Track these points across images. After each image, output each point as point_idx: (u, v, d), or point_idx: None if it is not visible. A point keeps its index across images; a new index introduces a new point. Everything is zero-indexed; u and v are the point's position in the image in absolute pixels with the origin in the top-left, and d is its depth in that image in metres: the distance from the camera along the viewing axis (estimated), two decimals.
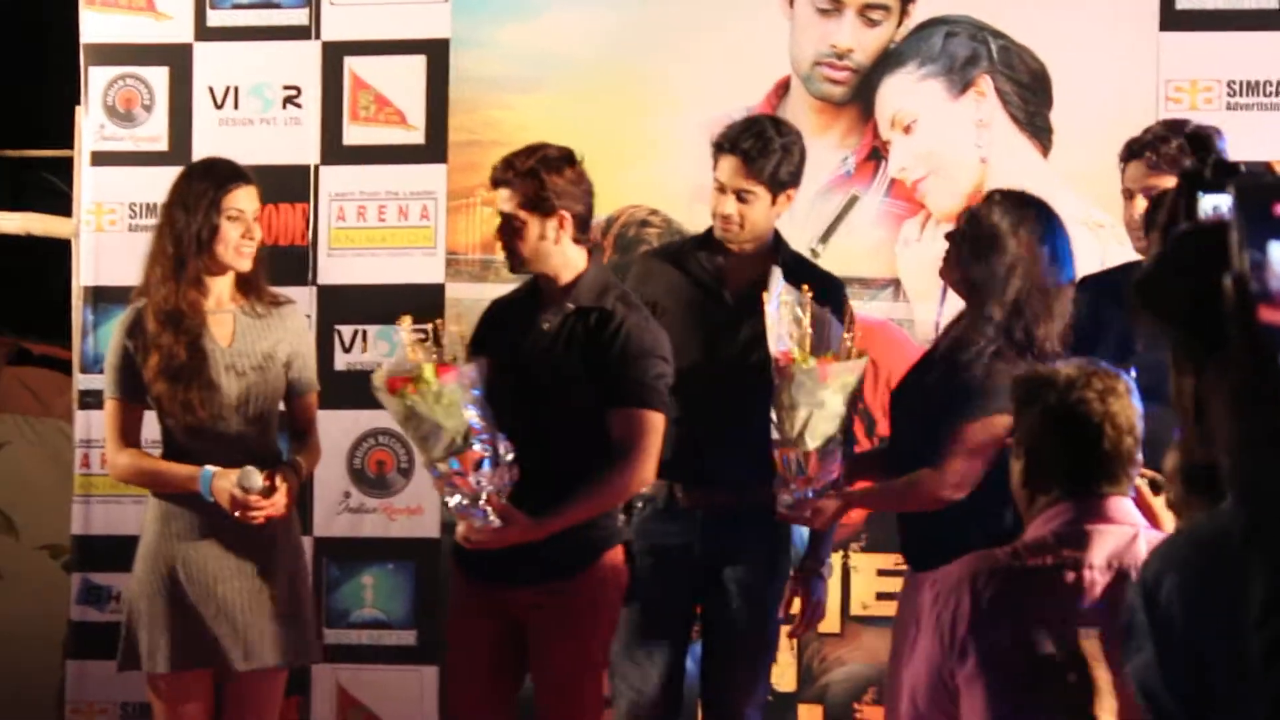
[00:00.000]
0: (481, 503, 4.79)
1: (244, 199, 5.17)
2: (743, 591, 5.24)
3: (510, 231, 5.04)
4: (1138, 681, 2.25)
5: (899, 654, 4.87)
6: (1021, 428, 3.67)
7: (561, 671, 5.07)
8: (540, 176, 5.03)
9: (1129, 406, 3.58)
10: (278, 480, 5.09)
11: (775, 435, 4.94)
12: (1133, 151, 5.05)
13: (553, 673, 5.08)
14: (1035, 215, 4.97)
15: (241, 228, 5.15)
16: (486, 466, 4.76)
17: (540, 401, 5.02)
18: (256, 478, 5.03)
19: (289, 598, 5.20)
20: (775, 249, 5.32)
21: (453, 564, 5.23)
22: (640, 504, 5.33)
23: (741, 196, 5.18)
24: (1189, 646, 2.21)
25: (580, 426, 5.00)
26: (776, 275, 4.98)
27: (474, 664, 5.14)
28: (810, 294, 4.90)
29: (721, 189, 5.20)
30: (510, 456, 4.78)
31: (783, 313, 4.90)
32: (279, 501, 5.07)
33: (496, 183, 5.07)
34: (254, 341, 5.20)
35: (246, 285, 5.25)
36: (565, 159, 5.08)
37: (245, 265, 5.20)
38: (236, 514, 5.02)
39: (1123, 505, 3.57)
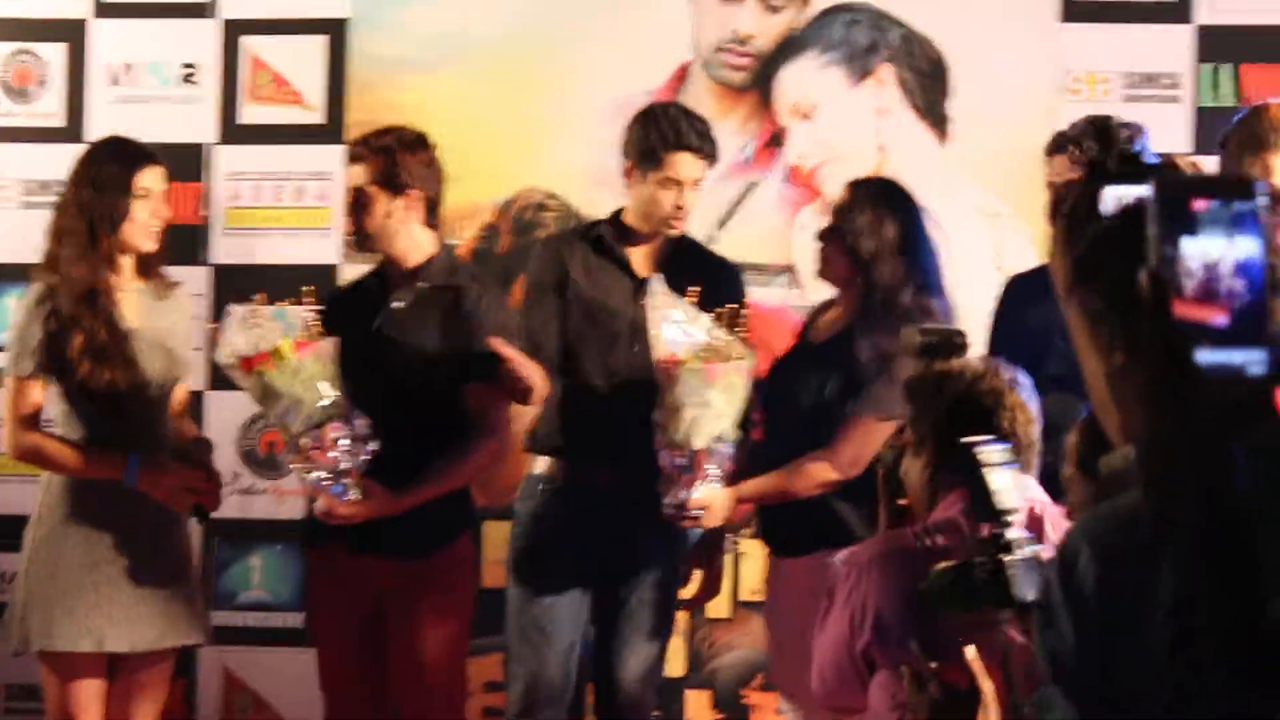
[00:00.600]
0: (341, 477, 4.80)
1: (152, 179, 5.11)
2: (645, 571, 5.25)
3: (359, 207, 5.06)
4: (1048, 654, 2.24)
5: (776, 638, 4.98)
6: (926, 423, 3.68)
7: (419, 656, 5.08)
8: (394, 154, 5.05)
9: (1031, 399, 3.62)
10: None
11: (659, 438, 4.97)
12: (1056, 146, 5.08)
13: (411, 657, 5.09)
14: (901, 204, 5.07)
15: (150, 207, 5.10)
16: (345, 442, 4.77)
17: (397, 380, 5.03)
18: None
19: (179, 578, 5.16)
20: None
21: (310, 541, 5.23)
22: (540, 484, 5.32)
23: (696, 185, 5.25)
24: (1102, 621, 2.20)
25: (438, 404, 5.02)
26: (657, 280, 5.01)
27: (343, 639, 5.13)
28: (693, 298, 4.94)
29: (677, 183, 5.20)
30: (367, 431, 4.80)
31: (666, 316, 4.94)
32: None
33: (352, 158, 5.11)
34: (156, 321, 5.12)
35: (147, 265, 5.19)
36: (420, 140, 5.11)
37: (152, 245, 5.13)
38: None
39: (1029, 484, 3.57)
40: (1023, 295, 5.12)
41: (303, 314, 4.91)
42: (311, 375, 4.75)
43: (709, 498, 4.97)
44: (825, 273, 5.11)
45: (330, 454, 4.78)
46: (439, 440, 4.98)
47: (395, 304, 5.09)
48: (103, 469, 5.01)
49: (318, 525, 5.03)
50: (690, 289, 4.94)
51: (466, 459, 5.01)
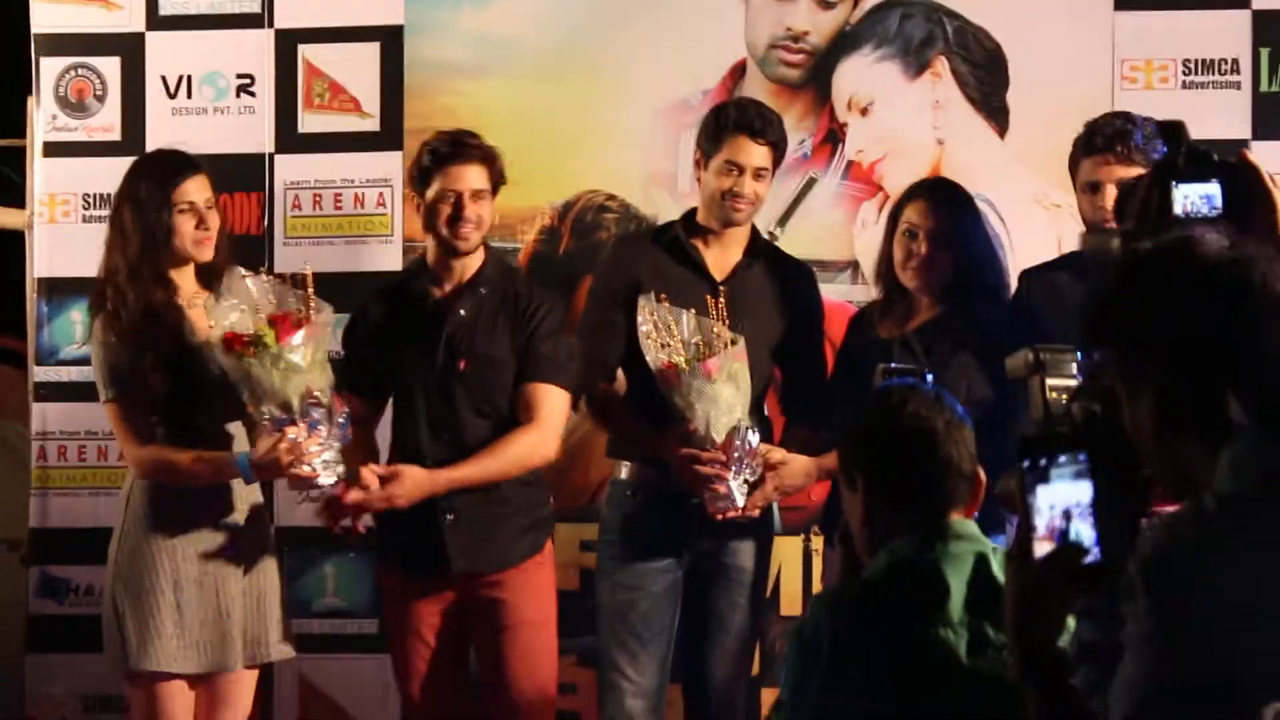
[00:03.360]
0: (324, 468, 4.93)
1: (193, 190, 5.12)
2: (736, 575, 5.30)
3: (477, 210, 5.15)
4: (1148, 669, 2.30)
5: None
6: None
7: (509, 669, 5.19)
8: (496, 158, 5.20)
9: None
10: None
11: (678, 442, 5.11)
12: (1095, 146, 5.11)
13: (500, 671, 5.18)
14: (972, 205, 5.34)
15: (194, 219, 5.10)
16: (322, 428, 4.90)
17: (470, 386, 5.15)
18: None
19: (267, 592, 5.19)
20: (753, 230, 5.44)
21: (383, 555, 5.34)
22: (626, 490, 5.35)
23: (759, 175, 5.27)
24: (1203, 633, 2.26)
25: (505, 406, 5.18)
26: (645, 297, 5.12)
27: (423, 652, 5.22)
28: (666, 301, 5.05)
29: (739, 170, 5.25)
30: (343, 419, 4.94)
31: (654, 324, 5.01)
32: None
33: (464, 159, 5.14)
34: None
35: (211, 276, 5.19)
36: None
37: (205, 255, 5.15)
38: (290, 476, 4.98)
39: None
40: (1042, 286, 5.21)
41: (294, 296, 4.94)
42: (289, 367, 4.82)
43: (788, 472, 5.08)
44: (923, 274, 5.16)
45: (310, 445, 4.90)
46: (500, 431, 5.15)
47: (460, 311, 5.17)
48: (219, 471, 5.04)
49: (392, 539, 5.11)
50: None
51: (511, 451, 5.10)
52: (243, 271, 5.01)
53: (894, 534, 3.42)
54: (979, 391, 5.06)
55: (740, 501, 5.10)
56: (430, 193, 5.17)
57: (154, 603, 5.04)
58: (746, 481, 5.11)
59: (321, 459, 4.95)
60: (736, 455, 5.06)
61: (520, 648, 5.19)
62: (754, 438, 5.09)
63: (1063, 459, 2.60)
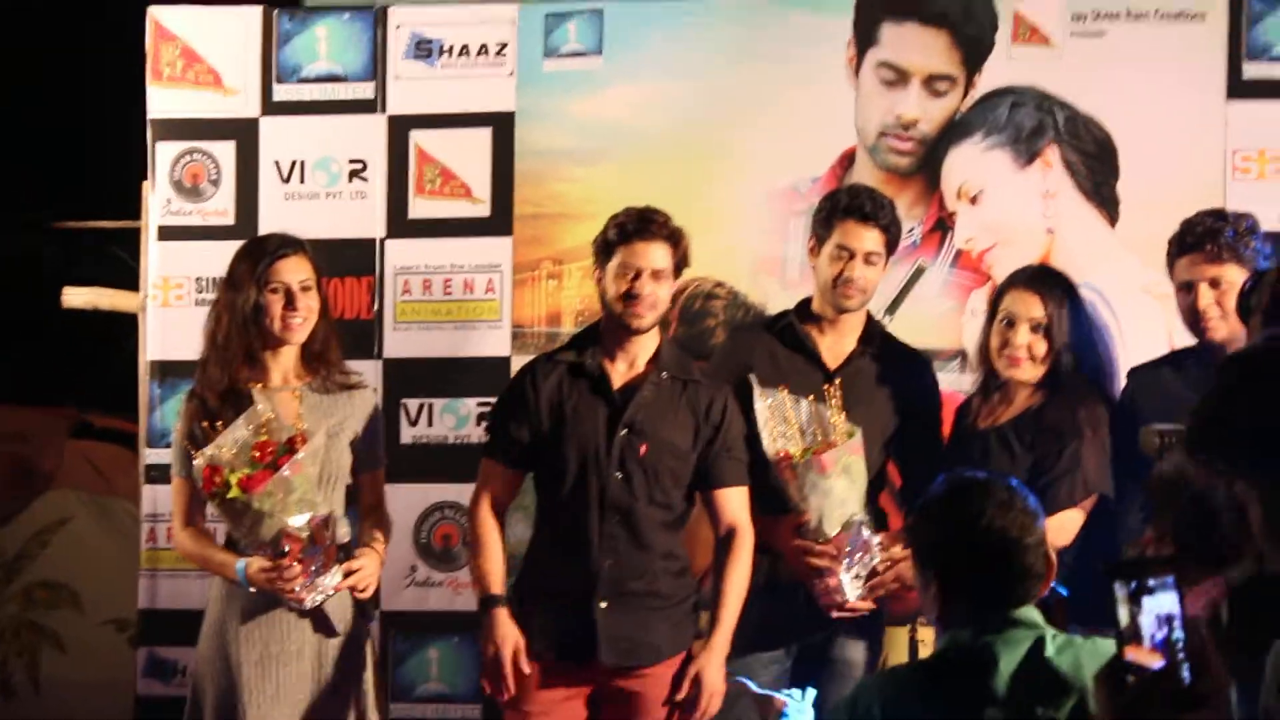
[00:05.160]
0: (302, 589, 4.98)
1: (287, 270, 5.12)
2: (843, 670, 5.25)
3: (654, 290, 5.09)
4: None
5: None
6: (1166, 520, 3.67)
7: None
8: (682, 239, 5.14)
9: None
10: (365, 556, 5.11)
11: (793, 535, 5.10)
12: (1186, 245, 5.12)
13: None
14: (1073, 290, 5.36)
15: (283, 299, 5.11)
16: (315, 550, 4.95)
17: (650, 470, 5.09)
18: (343, 525, 5.08)
19: (346, 677, 5.16)
20: (868, 318, 5.42)
21: (528, 643, 5.19)
22: None
23: (870, 260, 5.25)
24: None
25: (680, 499, 5.14)
26: (753, 380, 5.10)
27: None
28: (785, 391, 5.01)
29: (850, 255, 5.24)
30: (330, 540, 4.98)
31: (771, 413, 4.98)
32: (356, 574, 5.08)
33: (648, 236, 5.08)
34: (320, 419, 5.09)
35: (313, 360, 5.21)
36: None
37: (295, 337, 5.14)
38: (278, 589, 4.98)
39: None
40: (1148, 385, 5.18)
41: (252, 444, 4.92)
42: (257, 513, 4.85)
43: (908, 566, 5.01)
44: (1019, 363, 5.15)
45: (292, 573, 4.93)
46: (667, 523, 5.10)
47: (645, 393, 5.12)
48: (222, 570, 5.06)
49: (533, 625, 5.08)
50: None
51: (747, 564, 5.08)
52: (257, 396, 5.01)
53: (960, 623, 3.46)
54: (1096, 484, 5.05)
55: (851, 595, 5.07)
56: (611, 267, 5.11)
57: (227, 682, 5.06)
58: (858, 576, 5.07)
59: (304, 584, 4.95)
60: (849, 549, 5.03)
61: None
62: (867, 532, 5.06)
63: (1163, 576, 2.62)
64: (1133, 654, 2.62)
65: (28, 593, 7.97)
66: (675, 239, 5.10)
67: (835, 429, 5.03)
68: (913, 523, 3.65)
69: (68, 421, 8.45)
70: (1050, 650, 3.35)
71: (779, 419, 5.04)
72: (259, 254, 5.16)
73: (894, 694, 3.38)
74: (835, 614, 5.11)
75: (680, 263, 5.13)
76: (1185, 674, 2.61)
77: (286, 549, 4.88)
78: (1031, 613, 3.44)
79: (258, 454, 4.86)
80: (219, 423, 4.96)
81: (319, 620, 5.08)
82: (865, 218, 5.24)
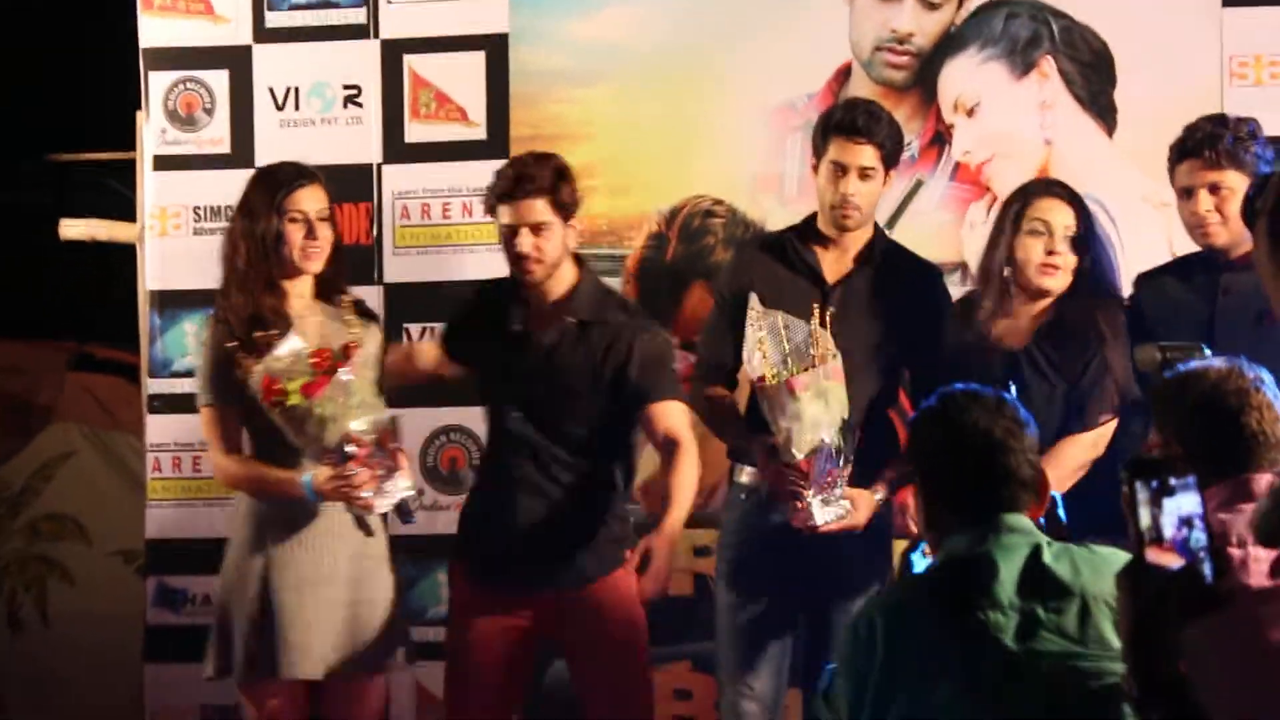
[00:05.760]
0: (372, 495, 5.01)
1: (306, 199, 5.15)
2: (852, 580, 5.24)
3: (537, 244, 5.11)
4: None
5: None
6: (1171, 426, 3.67)
7: (599, 682, 5.20)
8: (562, 182, 5.13)
9: (1277, 397, 3.57)
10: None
11: (767, 456, 5.09)
12: (1186, 150, 5.12)
13: (590, 684, 5.21)
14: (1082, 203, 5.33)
15: (303, 228, 5.13)
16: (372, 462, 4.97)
17: (550, 414, 5.16)
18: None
19: (379, 602, 5.20)
20: (874, 233, 5.39)
21: (460, 566, 5.32)
22: (743, 495, 5.35)
23: (866, 175, 5.23)
24: None
25: (585, 435, 5.17)
26: (754, 299, 5.08)
27: (484, 668, 5.21)
28: (779, 317, 5.01)
29: (843, 170, 5.23)
30: (396, 445, 5.02)
31: (759, 337, 4.98)
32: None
33: (524, 193, 5.09)
34: (336, 343, 5.07)
35: (326, 287, 5.23)
36: (567, 167, 5.20)
37: (313, 266, 5.17)
38: (344, 493, 5.00)
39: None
40: (1154, 292, 5.20)
41: (308, 350, 4.96)
42: (320, 418, 4.87)
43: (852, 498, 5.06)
44: (1055, 275, 5.14)
45: (361, 478, 4.97)
46: (592, 469, 5.16)
47: (543, 340, 5.17)
48: (283, 488, 5.06)
49: (471, 553, 5.19)
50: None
51: (693, 469, 5.05)
52: (301, 311, 5.06)
53: (953, 534, 3.47)
54: (1126, 389, 5.06)
55: (819, 519, 5.04)
56: (500, 222, 5.18)
57: (254, 611, 5.07)
58: (826, 501, 5.04)
59: (374, 489, 4.98)
60: (816, 475, 5.00)
61: (611, 661, 5.20)
62: (839, 459, 5.02)
63: (1184, 476, 2.62)
64: (1154, 554, 2.63)
65: (33, 526, 7.98)
66: (552, 189, 5.10)
67: (820, 349, 5.00)
68: (908, 436, 3.67)
69: (67, 354, 8.44)
70: (1048, 557, 3.37)
71: (768, 342, 5.01)
72: (275, 183, 5.17)
73: (896, 609, 3.40)
74: (805, 530, 5.10)
75: (568, 204, 5.14)
76: (1207, 572, 2.62)
77: (353, 453, 4.90)
78: (1024, 520, 3.46)
79: (315, 360, 4.90)
80: (245, 355, 4.97)
81: (356, 545, 5.15)
82: (857, 132, 5.21)
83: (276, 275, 5.15)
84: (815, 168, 5.31)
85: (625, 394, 5.13)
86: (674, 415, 5.11)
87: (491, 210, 5.20)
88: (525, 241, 5.09)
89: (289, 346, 4.93)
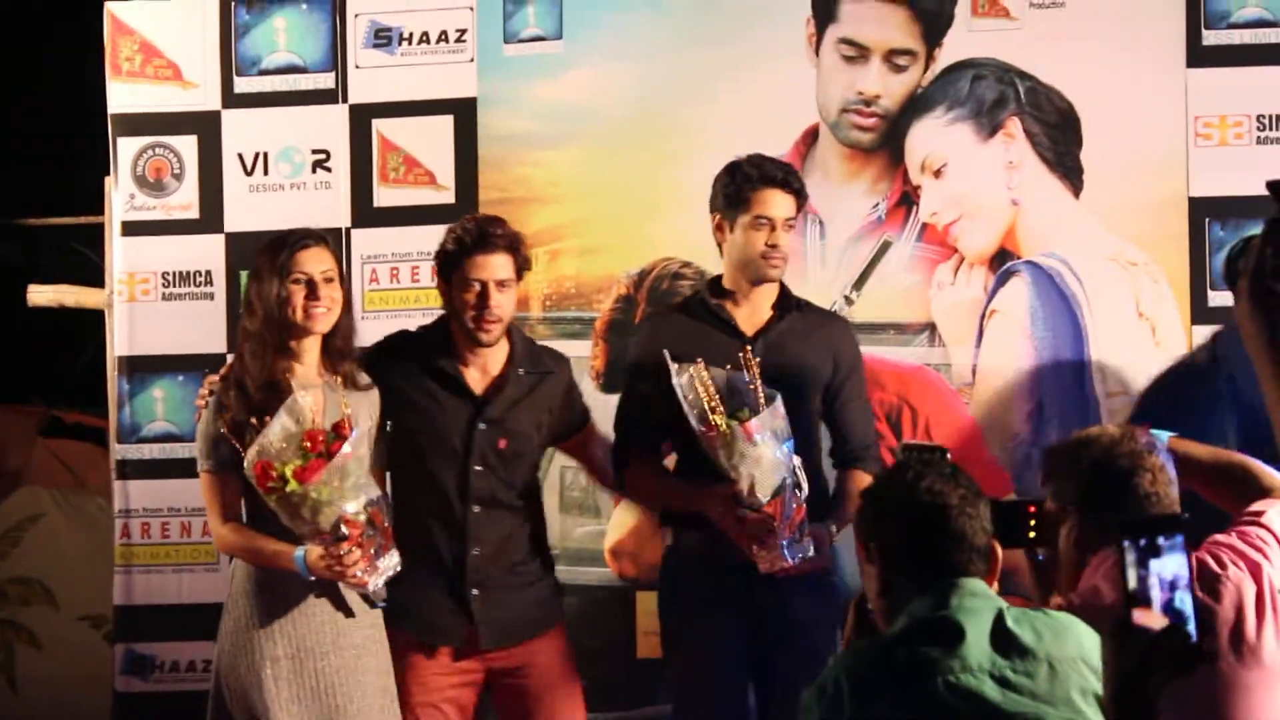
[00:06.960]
0: (363, 573, 4.97)
1: (309, 261, 5.15)
2: (797, 625, 5.27)
3: (502, 300, 5.22)
4: None
5: None
6: (1069, 490, 3.76)
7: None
8: (520, 243, 5.28)
9: (1169, 461, 3.78)
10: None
11: (726, 506, 5.10)
12: None
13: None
14: None
15: (305, 289, 5.13)
16: (365, 541, 4.94)
17: (510, 461, 5.29)
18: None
19: (385, 668, 5.19)
20: (781, 285, 5.47)
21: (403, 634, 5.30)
22: (673, 557, 5.40)
23: (789, 225, 5.34)
24: None
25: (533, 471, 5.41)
26: (667, 356, 5.14)
27: None
28: (702, 364, 5.05)
29: (770, 224, 5.28)
30: (387, 523, 4.99)
31: (689, 387, 5.00)
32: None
33: (489, 249, 5.19)
34: (338, 415, 5.03)
35: (335, 355, 5.23)
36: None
37: (319, 326, 5.16)
38: (336, 573, 4.98)
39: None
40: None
41: (301, 431, 4.91)
42: (315, 502, 4.85)
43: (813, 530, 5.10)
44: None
45: (357, 569, 4.95)
46: (534, 505, 5.38)
47: (503, 391, 5.29)
48: (281, 564, 5.04)
49: (412, 620, 5.26)
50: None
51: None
52: (295, 385, 5.02)
53: (913, 599, 3.45)
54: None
55: (790, 559, 5.06)
56: (456, 279, 5.23)
57: (250, 678, 5.05)
58: (795, 540, 5.07)
59: (365, 567, 4.96)
60: (784, 514, 5.03)
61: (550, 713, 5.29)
62: (800, 494, 5.06)
63: (1173, 536, 2.65)
64: (1140, 615, 2.65)
65: (0, 590, 7.96)
66: (514, 247, 5.23)
67: (755, 395, 5.04)
68: (861, 505, 3.67)
69: (36, 419, 8.43)
70: (1010, 621, 3.38)
71: (698, 391, 5.03)
72: (280, 246, 5.19)
73: (862, 671, 3.39)
74: (778, 574, 5.10)
75: (522, 267, 5.28)
76: (1192, 633, 2.64)
77: (347, 534, 4.89)
78: (983, 585, 3.46)
79: (309, 443, 4.87)
80: (266, 416, 4.94)
81: (345, 601, 5.14)
82: (780, 184, 5.31)
83: (286, 337, 5.15)
84: (721, 226, 5.35)
85: (570, 424, 5.42)
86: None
87: (449, 267, 5.23)
88: (495, 298, 5.17)
89: (280, 427, 4.90)
